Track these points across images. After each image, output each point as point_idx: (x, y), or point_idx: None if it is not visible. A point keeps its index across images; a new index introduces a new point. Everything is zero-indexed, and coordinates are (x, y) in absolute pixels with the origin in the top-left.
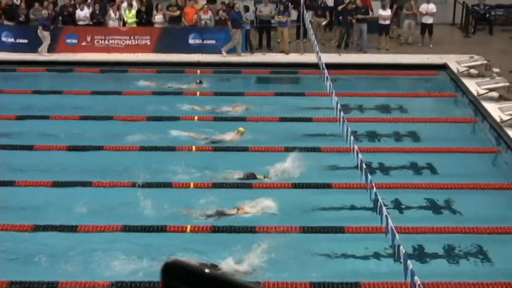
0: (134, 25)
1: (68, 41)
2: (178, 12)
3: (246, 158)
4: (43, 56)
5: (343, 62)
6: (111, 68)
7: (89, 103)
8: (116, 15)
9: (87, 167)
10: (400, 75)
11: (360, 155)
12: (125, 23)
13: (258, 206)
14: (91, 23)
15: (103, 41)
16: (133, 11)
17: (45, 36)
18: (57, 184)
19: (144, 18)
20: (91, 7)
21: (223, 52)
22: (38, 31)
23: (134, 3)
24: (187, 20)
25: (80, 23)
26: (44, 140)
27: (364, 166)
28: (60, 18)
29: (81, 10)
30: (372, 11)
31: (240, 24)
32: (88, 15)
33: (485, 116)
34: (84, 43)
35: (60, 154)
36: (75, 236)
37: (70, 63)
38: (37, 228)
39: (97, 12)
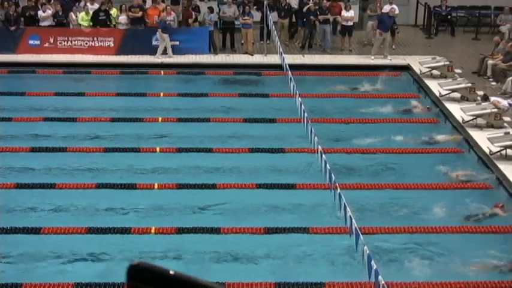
0: (89, 27)
1: (31, 42)
2: (140, 14)
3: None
4: (169, 58)
5: (307, 63)
6: (74, 70)
7: (52, 104)
8: (76, 17)
9: (51, 168)
10: (363, 76)
11: (323, 155)
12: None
13: None
14: (54, 23)
15: (66, 42)
16: (90, 14)
17: (165, 38)
18: (20, 186)
19: (102, 18)
20: (53, 8)
21: (372, 57)
22: (157, 34)
23: (92, 6)
24: (150, 21)
25: (45, 23)
26: (7, 142)
27: (328, 167)
28: (22, 19)
29: (44, 11)
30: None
31: (388, 28)
32: (50, 16)
33: (448, 116)
34: (46, 44)
35: (23, 156)
36: (38, 238)
37: (32, 64)
38: (0, 230)
39: (60, 14)
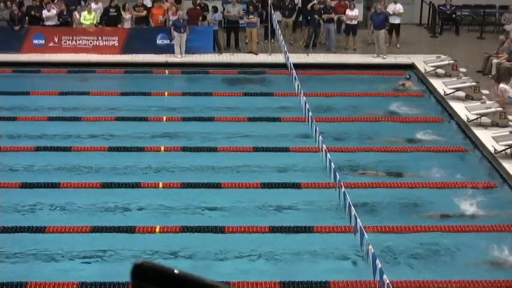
0: (93, 26)
1: (35, 41)
2: (144, 13)
3: (214, 158)
4: (177, 58)
5: (311, 62)
6: (78, 69)
7: (56, 104)
8: (80, 16)
9: (56, 167)
10: (368, 75)
11: (328, 154)
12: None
13: None
14: (58, 23)
15: (70, 41)
16: (93, 14)
17: (176, 37)
18: (25, 185)
19: (112, 14)
20: (57, 7)
21: (374, 55)
22: (171, 32)
23: (96, 5)
24: (155, 20)
25: (49, 23)
26: (11, 141)
27: (332, 166)
28: (27, 18)
29: (48, 11)
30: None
31: (379, 26)
32: (55, 15)
33: (452, 115)
34: (51, 44)
35: (28, 155)
36: (43, 237)
37: (37, 64)
38: (5, 229)
39: (64, 13)
